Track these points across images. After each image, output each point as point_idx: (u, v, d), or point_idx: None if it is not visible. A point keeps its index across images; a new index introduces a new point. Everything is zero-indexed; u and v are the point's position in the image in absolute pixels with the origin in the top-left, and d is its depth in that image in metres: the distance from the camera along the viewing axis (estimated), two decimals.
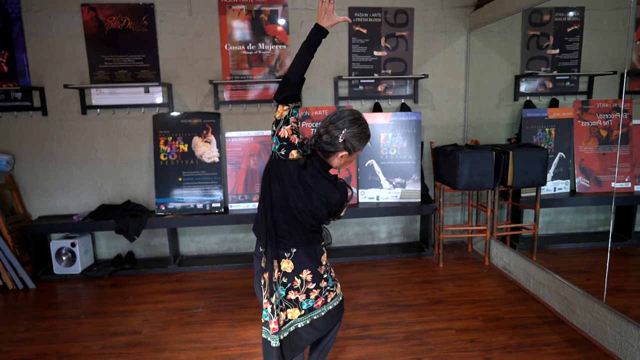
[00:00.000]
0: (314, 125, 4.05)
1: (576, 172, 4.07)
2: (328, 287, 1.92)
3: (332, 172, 1.85)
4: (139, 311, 3.23)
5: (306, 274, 1.84)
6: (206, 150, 4.00)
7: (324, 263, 1.91)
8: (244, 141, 4.03)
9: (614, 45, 3.93)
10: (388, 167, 4.09)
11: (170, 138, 3.98)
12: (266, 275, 1.84)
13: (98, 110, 3.98)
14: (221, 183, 3.99)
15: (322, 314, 1.92)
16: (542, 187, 3.78)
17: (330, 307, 1.94)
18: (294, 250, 1.83)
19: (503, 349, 2.62)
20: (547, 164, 3.70)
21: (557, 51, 4.17)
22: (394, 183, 4.08)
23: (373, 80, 4.17)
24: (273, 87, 4.08)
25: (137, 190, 4.13)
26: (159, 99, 4.03)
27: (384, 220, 4.39)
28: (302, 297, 1.85)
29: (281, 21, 4.00)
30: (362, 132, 1.77)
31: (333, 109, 4.07)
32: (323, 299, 1.92)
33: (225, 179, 4.05)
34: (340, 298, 2.00)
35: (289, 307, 1.85)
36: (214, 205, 3.97)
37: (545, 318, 2.98)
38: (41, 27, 3.82)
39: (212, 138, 4.01)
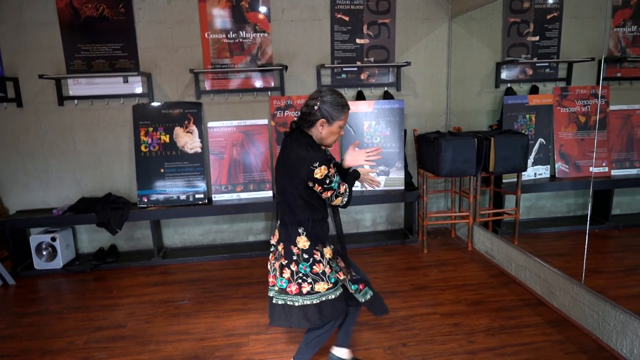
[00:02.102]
0: (297, 114, 4.02)
1: (556, 157, 4.14)
2: (300, 274, 1.93)
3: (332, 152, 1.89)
4: (124, 304, 3.19)
5: (280, 247, 2.00)
6: (188, 140, 3.95)
7: (299, 246, 1.93)
8: (227, 131, 3.99)
9: (592, 32, 3.98)
10: None
11: (151, 129, 3.91)
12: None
13: (75, 101, 3.89)
14: (204, 174, 3.95)
15: (295, 304, 1.94)
16: (523, 173, 3.83)
17: (300, 303, 1.94)
18: (282, 221, 2.00)
19: (486, 331, 2.67)
20: (527, 150, 3.75)
21: (537, 38, 4.21)
22: (377, 171, 4.10)
23: (356, 69, 4.15)
24: (255, 76, 4.04)
25: (118, 183, 4.06)
26: (138, 89, 3.95)
27: (369, 208, 4.41)
28: (278, 271, 1.99)
29: (262, 9, 3.94)
30: (336, 100, 1.88)
31: None
32: (297, 287, 1.93)
33: (208, 170, 4.01)
34: (316, 302, 1.95)
35: (275, 273, 2.02)
36: (197, 196, 3.94)
37: (527, 300, 3.04)
38: (13, 14, 3.70)
39: (194, 128, 3.95)
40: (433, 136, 3.78)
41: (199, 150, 3.96)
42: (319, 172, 1.83)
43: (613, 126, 4.13)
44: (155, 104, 3.93)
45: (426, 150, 3.88)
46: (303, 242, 1.94)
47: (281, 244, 2.00)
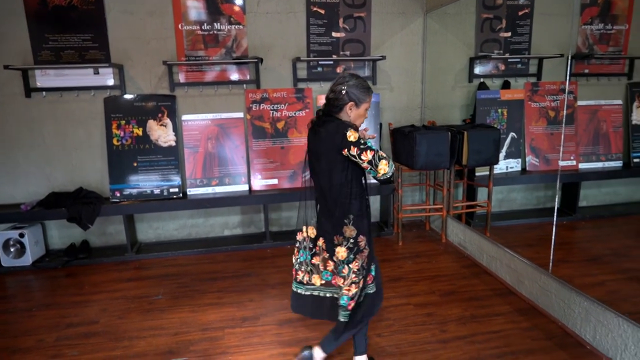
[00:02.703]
0: (273, 107, 4.01)
1: (527, 151, 4.24)
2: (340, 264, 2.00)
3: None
4: (96, 301, 3.14)
5: (321, 242, 2.04)
6: (162, 134, 3.89)
7: (346, 235, 1.97)
8: (202, 124, 3.94)
9: (562, 29, 4.08)
10: None
11: (123, 122, 3.83)
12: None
13: (44, 93, 3.77)
14: (179, 167, 3.90)
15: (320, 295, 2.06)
16: (495, 166, 3.92)
17: (320, 294, 2.06)
18: (323, 215, 2.04)
19: (458, 320, 2.74)
20: (499, 143, 3.84)
21: (509, 34, 4.30)
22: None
23: (332, 62, 4.15)
24: (230, 69, 4.00)
25: (90, 177, 3.97)
26: (110, 81, 3.86)
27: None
28: (322, 265, 2.05)
29: (238, 0, 3.90)
30: (361, 83, 1.95)
31: (292, 91, 4.04)
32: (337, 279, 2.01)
33: (182, 164, 3.96)
34: (336, 297, 2.03)
35: (311, 268, 2.09)
36: (171, 190, 3.89)
37: (497, 290, 3.13)
38: None
39: (167, 121, 3.89)
40: (408, 130, 3.82)
41: (173, 143, 3.90)
42: (352, 134, 1.85)
43: (581, 121, 4.26)
44: (127, 96, 3.85)
45: (401, 144, 3.92)
46: (349, 231, 1.97)
47: (321, 238, 2.04)
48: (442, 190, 4.01)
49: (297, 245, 2.16)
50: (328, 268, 2.04)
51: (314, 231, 2.09)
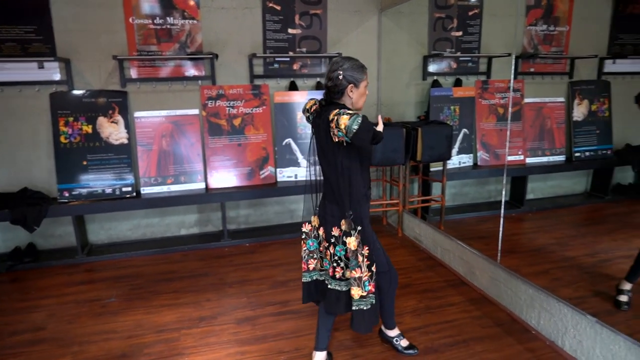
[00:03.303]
0: (229, 104, 3.96)
1: (478, 146, 4.41)
2: (336, 256, 2.06)
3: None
4: (43, 306, 3.00)
5: (321, 232, 2.11)
6: (113, 131, 3.76)
7: (343, 228, 2.00)
8: (155, 121, 3.84)
9: (509, 29, 4.25)
10: (305, 145, 4.13)
11: (71, 118, 3.67)
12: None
13: None
14: (131, 166, 3.79)
15: (328, 283, 2.12)
16: (448, 161, 4.05)
17: (334, 287, 2.10)
18: (327, 200, 2.07)
19: (413, 312, 2.82)
20: (452, 139, 3.96)
21: (461, 33, 4.44)
22: (311, 161, 4.13)
23: (288, 59, 4.15)
24: (184, 65, 3.91)
25: (36, 176, 3.78)
26: (56, 76, 3.68)
27: (303, 198, 4.45)
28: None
29: None
30: (354, 64, 1.97)
31: (249, 87, 4.00)
32: (332, 268, 2.07)
33: (135, 162, 3.84)
34: (347, 290, 2.07)
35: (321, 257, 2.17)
36: (124, 189, 3.76)
37: (451, 281, 3.24)
38: None
39: (119, 118, 3.76)
40: None
41: (126, 141, 3.78)
42: (332, 115, 1.85)
43: (527, 117, 4.47)
44: (76, 92, 3.69)
45: None
46: (347, 224, 2.00)
47: (322, 227, 2.10)
48: (398, 186, 4.10)
49: (303, 237, 2.18)
50: (328, 257, 2.10)
51: (317, 220, 2.14)
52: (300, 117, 4.09)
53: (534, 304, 2.59)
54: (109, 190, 3.73)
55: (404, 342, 2.42)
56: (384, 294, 2.28)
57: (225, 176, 3.98)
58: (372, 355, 2.42)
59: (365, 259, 2.02)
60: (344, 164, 1.94)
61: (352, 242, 2.00)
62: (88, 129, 3.70)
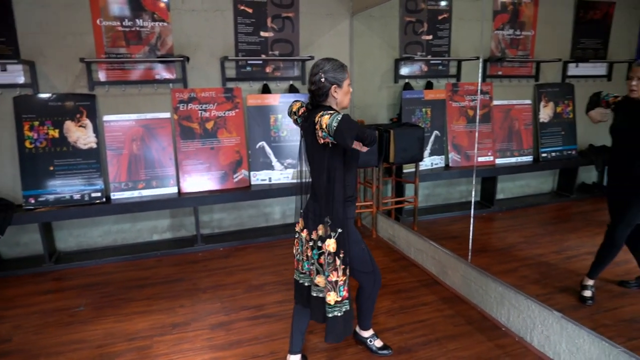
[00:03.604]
0: (201, 107, 3.92)
1: (449, 148, 4.49)
2: (312, 259, 2.06)
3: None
4: (8, 317, 2.90)
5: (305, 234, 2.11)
6: (81, 135, 3.67)
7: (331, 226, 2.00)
8: (125, 125, 3.77)
9: (477, 33, 4.37)
10: (279, 148, 4.13)
11: (36, 123, 3.56)
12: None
13: None
14: (101, 171, 3.70)
15: (305, 284, 2.14)
16: (421, 163, 4.11)
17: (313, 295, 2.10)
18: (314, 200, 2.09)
19: (387, 312, 2.85)
20: (423, 141, 4.03)
21: (431, 37, 4.52)
22: (285, 164, 4.14)
23: (261, 62, 4.13)
24: (155, 67, 3.85)
25: None
26: (20, 79, 3.57)
27: (277, 202, 4.44)
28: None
29: None
30: (334, 65, 1.99)
31: (221, 90, 3.97)
32: (314, 270, 2.07)
33: (105, 167, 3.76)
34: (323, 296, 2.06)
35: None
36: (93, 195, 3.67)
37: (424, 281, 3.29)
38: None
39: (87, 122, 3.67)
40: None
41: (94, 145, 3.69)
42: (317, 118, 1.84)
43: (496, 119, 4.59)
44: (41, 95, 3.58)
45: None
46: (323, 230, 2.02)
47: (305, 230, 2.12)
48: (372, 188, 4.14)
49: (296, 236, 2.20)
50: (305, 258, 2.13)
51: (302, 222, 2.15)
52: (274, 120, 4.08)
53: (503, 302, 2.65)
54: (77, 196, 3.64)
55: (378, 343, 2.45)
56: (366, 295, 2.31)
57: (198, 180, 3.94)
58: (346, 356, 2.43)
59: (341, 263, 2.03)
60: (330, 165, 1.96)
61: (331, 244, 2.00)
62: (55, 133, 3.60)
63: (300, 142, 2.14)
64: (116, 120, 3.74)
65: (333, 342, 2.14)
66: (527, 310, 2.48)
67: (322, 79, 1.96)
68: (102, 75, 3.75)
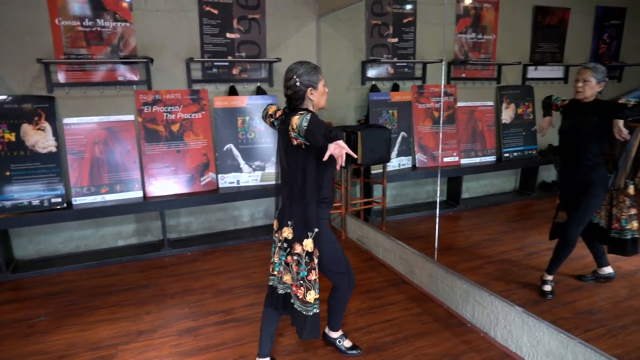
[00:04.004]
0: (167, 109, 3.85)
1: (416, 149, 4.58)
2: (281, 259, 2.12)
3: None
4: None
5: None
6: (39, 139, 3.53)
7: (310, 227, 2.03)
8: (87, 128, 3.66)
9: (441, 37, 4.48)
10: (247, 150, 4.10)
11: None
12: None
13: None
14: (61, 175, 3.58)
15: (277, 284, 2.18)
16: (388, 164, 4.17)
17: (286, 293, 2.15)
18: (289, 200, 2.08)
19: (356, 313, 2.87)
20: (391, 142, 4.09)
21: (397, 40, 4.59)
22: (253, 166, 4.12)
23: (227, 63, 4.10)
24: (118, 69, 3.75)
25: None
26: None
27: (246, 204, 4.40)
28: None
29: None
30: (308, 68, 2.01)
31: (187, 92, 3.91)
32: (282, 270, 2.12)
33: (66, 171, 3.63)
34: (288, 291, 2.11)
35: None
36: (54, 200, 3.55)
37: (392, 281, 3.34)
38: None
39: (46, 125, 3.54)
40: None
41: (54, 149, 3.57)
42: (291, 120, 1.84)
43: (460, 121, 4.70)
44: None
45: None
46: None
47: (279, 231, 2.13)
48: (340, 189, 4.17)
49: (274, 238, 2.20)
50: (277, 260, 2.15)
51: (277, 223, 2.14)
52: (241, 122, 4.05)
53: (468, 298, 2.72)
54: (36, 202, 3.50)
55: (347, 343, 2.47)
56: (339, 296, 2.31)
57: (164, 184, 3.86)
58: (316, 357, 2.44)
59: (318, 263, 2.06)
60: (304, 166, 1.97)
61: (309, 243, 2.02)
62: (11, 137, 3.46)
63: (278, 144, 2.14)
64: (77, 123, 3.63)
65: (311, 338, 2.15)
66: (491, 306, 2.56)
67: (297, 83, 1.98)
68: (61, 77, 3.63)
